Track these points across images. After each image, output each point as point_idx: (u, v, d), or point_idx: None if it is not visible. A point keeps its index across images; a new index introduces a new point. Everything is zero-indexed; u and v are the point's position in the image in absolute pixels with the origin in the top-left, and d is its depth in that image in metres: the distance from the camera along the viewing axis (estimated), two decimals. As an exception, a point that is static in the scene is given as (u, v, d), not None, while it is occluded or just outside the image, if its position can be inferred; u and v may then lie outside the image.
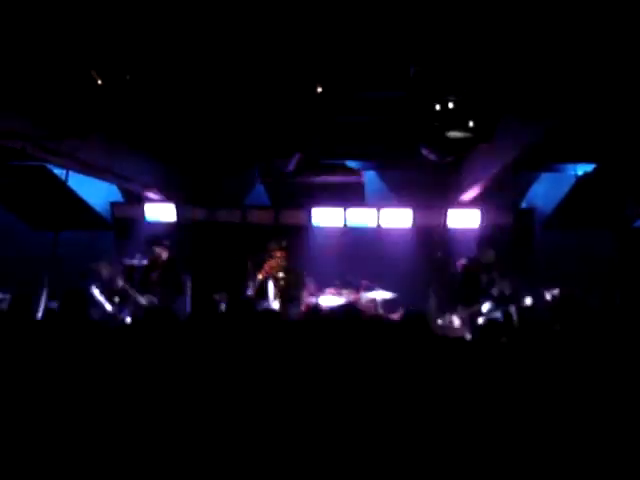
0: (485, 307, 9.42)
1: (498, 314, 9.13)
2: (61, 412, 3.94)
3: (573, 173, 12.02)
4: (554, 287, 9.35)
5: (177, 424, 3.83)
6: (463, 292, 9.72)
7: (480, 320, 9.13)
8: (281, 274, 10.32)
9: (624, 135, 9.56)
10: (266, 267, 10.38)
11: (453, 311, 9.58)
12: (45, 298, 9.98)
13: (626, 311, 9.53)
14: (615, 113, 8.64)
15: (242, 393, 4.03)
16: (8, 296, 10.27)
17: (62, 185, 11.11)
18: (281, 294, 10.21)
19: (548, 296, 9.29)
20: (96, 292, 10.30)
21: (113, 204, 13.36)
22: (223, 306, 9.76)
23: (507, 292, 9.47)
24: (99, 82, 7.74)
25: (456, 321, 9.48)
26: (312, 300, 10.45)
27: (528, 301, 9.19)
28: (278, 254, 10.37)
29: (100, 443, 3.72)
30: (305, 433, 3.72)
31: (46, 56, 7.46)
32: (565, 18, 6.59)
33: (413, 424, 3.80)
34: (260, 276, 10.35)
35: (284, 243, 10.52)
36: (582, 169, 11.75)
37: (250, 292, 10.29)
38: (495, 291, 9.45)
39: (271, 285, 10.23)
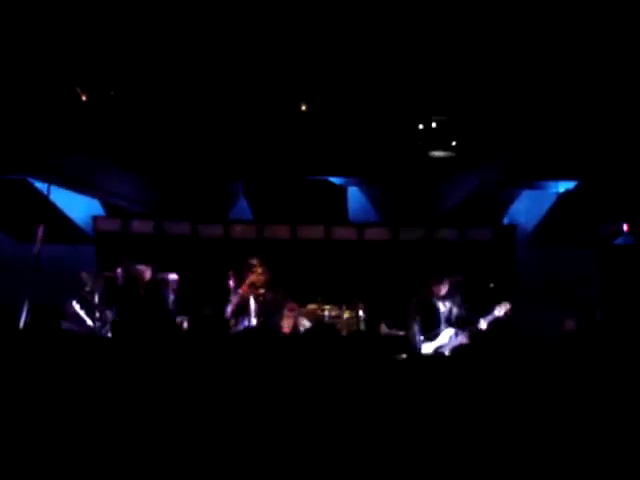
0: (446, 336, 9.37)
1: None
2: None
3: (554, 190, 12.09)
4: (504, 302, 9.23)
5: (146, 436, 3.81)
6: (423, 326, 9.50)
7: (447, 352, 9.02)
8: (262, 290, 10.23)
9: (605, 152, 9.64)
10: (247, 283, 10.28)
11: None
12: (26, 310, 9.89)
13: (606, 328, 9.59)
14: (596, 129, 8.71)
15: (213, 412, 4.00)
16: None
17: (44, 199, 11.05)
18: (261, 311, 10.10)
19: (499, 312, 9.16)
20: (77, 307, 10.24)
21: (95, 218, 13.29)
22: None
23: (467, 317, 9.35)
24: (83, 98, 7.75)
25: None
26: (293, 319, 10.38)
27: (483, 324, 9.07)
28: (259, 270, 10.25)
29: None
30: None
31: (32, 71, 7.44)
32: (547, 33, 6.67)
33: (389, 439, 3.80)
34: (240, 292, 10.24)
35: (265, 259, 10.40)
36: (563, 186, 11.83)
37: (230, 309, 10.16)
38: (453, 318, 9.34)
39: (252, 302, 10.12)
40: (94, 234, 13.27)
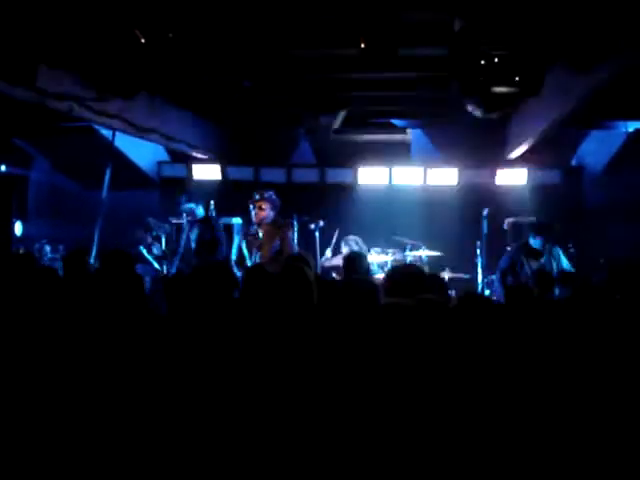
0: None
1: None
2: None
3: (624, 130, 11.78)
4: None
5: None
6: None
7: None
8: (265, 227, 9.36)
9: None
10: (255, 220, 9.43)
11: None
12: (95, 256, 10.16)
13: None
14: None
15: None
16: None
17: (109, 145, 11.25)
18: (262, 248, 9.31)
19: None
20: (144, 252, 10.46)
21: (160, 163, 13.55)
22: None
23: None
24: (142, 41, 7.75)
25: None
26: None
27: None
28: (263, 205, 9.35)
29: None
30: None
31: (90, 15, 7.48)
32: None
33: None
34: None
35: (266, 193, 9.42)
36: (633, 126, 11.51)
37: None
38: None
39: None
40: (159, 179, 13.52)
